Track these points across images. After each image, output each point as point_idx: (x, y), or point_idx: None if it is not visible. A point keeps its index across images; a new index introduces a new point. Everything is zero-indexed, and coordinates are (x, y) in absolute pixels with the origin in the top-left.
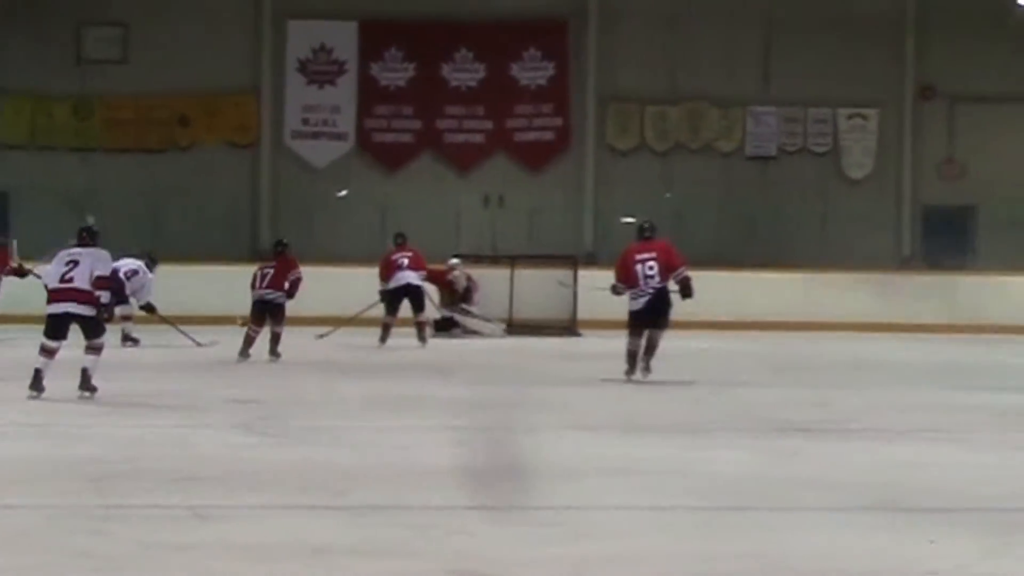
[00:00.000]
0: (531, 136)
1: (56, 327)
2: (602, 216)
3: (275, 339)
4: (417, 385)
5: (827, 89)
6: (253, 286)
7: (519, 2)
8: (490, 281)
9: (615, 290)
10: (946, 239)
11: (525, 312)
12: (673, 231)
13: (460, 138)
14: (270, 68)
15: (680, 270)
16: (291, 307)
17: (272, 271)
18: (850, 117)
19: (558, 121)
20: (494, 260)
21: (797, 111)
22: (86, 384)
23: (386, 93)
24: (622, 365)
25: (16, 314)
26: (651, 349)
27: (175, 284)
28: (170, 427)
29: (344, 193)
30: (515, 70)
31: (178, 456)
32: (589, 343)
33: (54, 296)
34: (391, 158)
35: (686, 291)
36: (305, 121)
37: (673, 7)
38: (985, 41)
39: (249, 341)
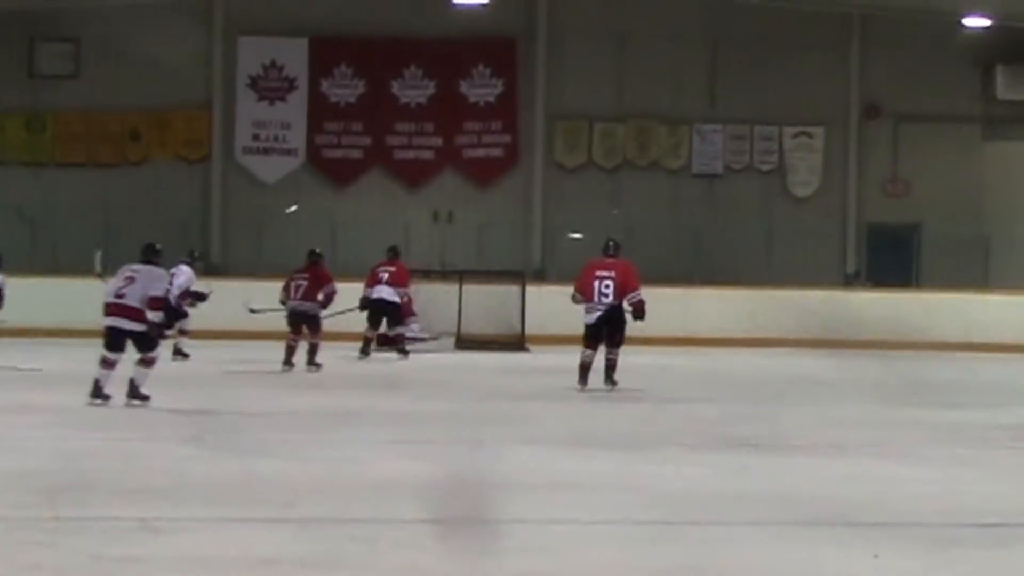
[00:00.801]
0: (480, 153)
1: (111, 340)
2: (550, 232)
3: (312, 350)
4: (367, 399)
5: (773, 107)
6: (288, 295)
7: (468, 20)
8: (438, 296)
9: (574, 299)
10: (890, 257)
11: (474, 327)
12: (621, 248)
13: (410, 154)
14: (221, 84)
15: (635, 293)
16: (241, 321)
17: (305, 283)
18: (795, 135)
19: (507, 138)
20: (443, 275)
21: (743, 129)
22: (134, 393)
23: (336, 109)
24: (571, 380)
25: None
26: (610, 367)
27: None
28: (120, 440)
29: (294, 208)
30: (464, 87)
31: (128, 469)
32: (537, 358)
33: (107, 310)
34: (341, 174)
35: (638, 314)
36: (256, 137)
37: (620, 26)
38: (929, 61)
39: (290, 351)
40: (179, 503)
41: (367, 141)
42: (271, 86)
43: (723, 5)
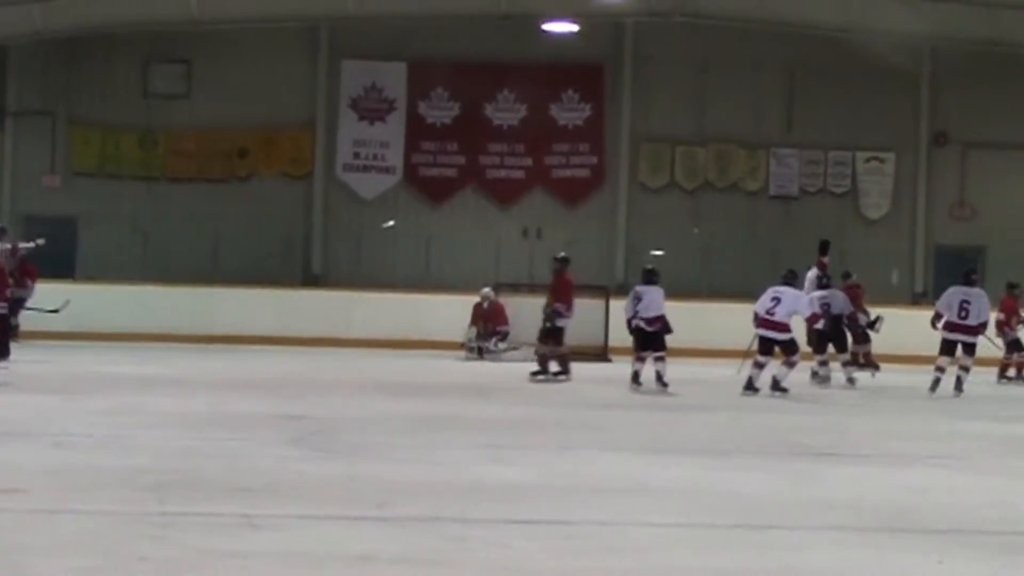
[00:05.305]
0: (568, 173)
1: (763, 347)
2: (633, 249)
3: (562, 359)
4: (456, 405)
5: (846, 134)
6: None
7: (558, 47)
8: (527, 309)
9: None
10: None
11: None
12: (701, 265)
13: (501, 174)
14: (324, 105)
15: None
16: (338, 329)
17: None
18: (868, 160)
19: (593, 159)
20: (531, 289)
21: (818, 154)
22: (776, 386)
23: (432, 130)
24: (651, 390)
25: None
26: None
27: (231, 306)
28: (224, 440)
29: (391, 224)
30: (554, 111)
31: (232, 468)
32: (619, 369)
33: (759, 323)
34: (436, 191)
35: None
36: (356, 155)
37: (703, 54)
38: (996, 92)
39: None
40: (280, 501)
41: (461, 160)
42: (371, 107)
43: (801, 36)
